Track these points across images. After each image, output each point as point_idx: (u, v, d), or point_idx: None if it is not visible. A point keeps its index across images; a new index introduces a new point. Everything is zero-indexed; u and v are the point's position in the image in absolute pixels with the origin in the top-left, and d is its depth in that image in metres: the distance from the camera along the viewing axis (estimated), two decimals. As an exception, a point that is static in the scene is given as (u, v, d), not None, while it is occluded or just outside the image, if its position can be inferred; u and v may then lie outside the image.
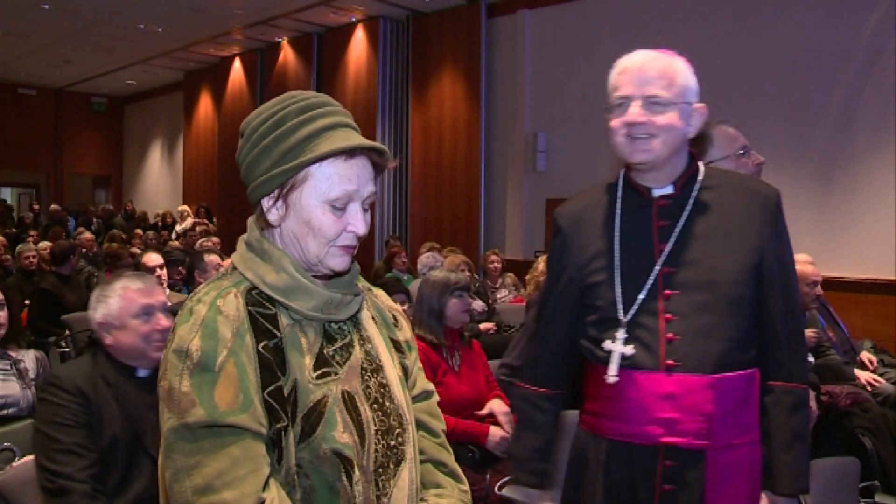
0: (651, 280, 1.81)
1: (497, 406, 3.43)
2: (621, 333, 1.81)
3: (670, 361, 1.77)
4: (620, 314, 1.82)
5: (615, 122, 1.83)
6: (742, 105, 7.97)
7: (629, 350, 1.79)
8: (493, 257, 7.48)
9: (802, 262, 4.75)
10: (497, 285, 6.90)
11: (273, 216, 1.37)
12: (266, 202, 1.37)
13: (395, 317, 1.61)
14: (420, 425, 1.56)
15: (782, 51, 7.75)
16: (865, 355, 4.99)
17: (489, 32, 10.44)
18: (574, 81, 9.36)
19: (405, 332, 1.61)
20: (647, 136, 1.79)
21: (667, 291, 1.80)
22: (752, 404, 1.82)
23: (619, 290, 1.83)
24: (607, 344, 1.82)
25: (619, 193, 1.91)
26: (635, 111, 1.79)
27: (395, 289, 4.65)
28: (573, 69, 9.39)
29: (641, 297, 1.81)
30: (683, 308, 1.78)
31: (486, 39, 10.42)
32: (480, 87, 10.36)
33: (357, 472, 1.34)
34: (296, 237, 1.37)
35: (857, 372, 4.57)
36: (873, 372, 4.77)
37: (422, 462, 1.54)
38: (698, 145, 2.49)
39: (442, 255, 7.00)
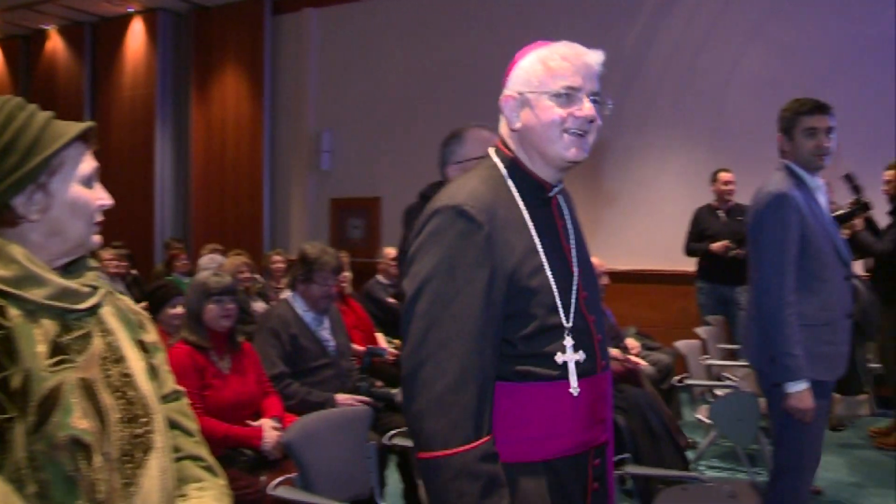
0: (575, 282, 1.75)
1: (268, 424, 3.38)
2: (569, 341, 1.70)
3: (603, 362, 1.77)
4: (564, 320, 1.70)
5: (559, 113, 1.66)
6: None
7: (581, 357, 1.70)
8: (276, 258, 7.39)
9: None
10: (281, 286, 6.79)
11: (33, 211, 1.38)
12: (19, 200, 1.37)
13: (140, 320, 1.60)
14: (174, 425, 1.58)
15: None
16: (629, 341, 5.37)
17: (274, 30, 10.28)
18: (360, 81, 9.42)
19: (151, 335, 1.61)
20: (586, 133, 1.70)
21: (583, 293, 1.76)
22: None
23: (557, 295, 1.70)
24: (560, 356, 1.68)
25: (512, 186, 1.74)
26: (589, 106, 1.68)
27: (172, 292, 4.45)
28: (359, 69, 9.44)
29: (573, 300, 1.73)
30: (593, 308, 1.78)
31: (271, 37, 10.26)
32: (264, 86, 10.18)
33: (98, 458, 1.34)
34: (59, 224, 1.41)
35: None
36: (636, 356, 5.13)
37: (180, 459, 1.56)
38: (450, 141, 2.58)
39: (226, 257, 6.82)
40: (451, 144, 2.59)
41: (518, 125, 1.73)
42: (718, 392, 4.85)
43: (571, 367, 1.68)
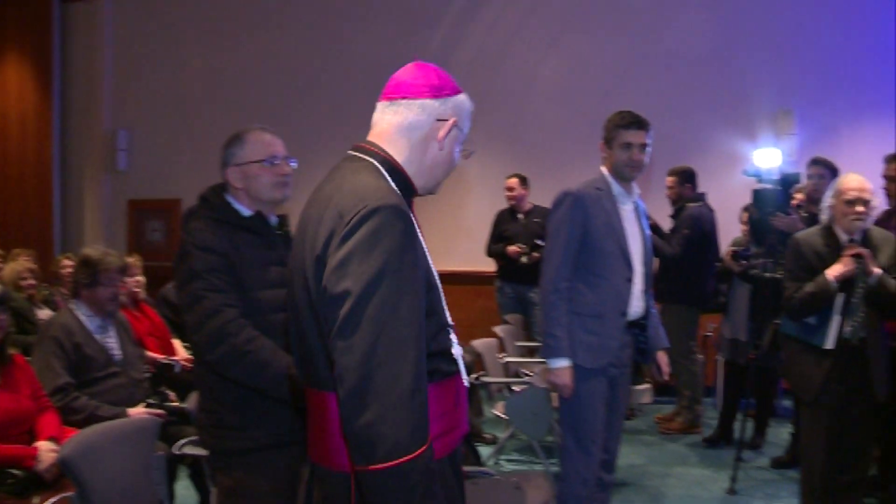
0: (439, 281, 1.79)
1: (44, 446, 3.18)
2: (454, 336, 1.78)
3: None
4: (448, 316, 1.77)
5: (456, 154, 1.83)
6: (328, 112, 8.32)
7: (461, 350, 1.80)
8: (67, 262, 6.90)
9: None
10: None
11: None
12: None
13: None
14: None
15: (359, 61, 8.23)
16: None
17: (64, 19, 9.64)
18: (159, 78, 9.04)
19: None
20: None
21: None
22: None
23: (441, 293, 1.77)
24: (455, 350, 1.76)
25: (395, 188, 1.74)
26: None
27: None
28: (158, 65, 9.07)
29: (443, 297, 1.79)
30: None
31: (60, 26, 9.60)
32: (53, 79, 9.52)
33: None
34: None
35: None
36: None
37: None
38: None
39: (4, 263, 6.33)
40: (232, 146, 2.54)
41: (424, 139, 1.78)
42: (515, 388, 5.03)
43: (461, 361, 1.77)
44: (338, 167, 1.79)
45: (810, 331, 3.76)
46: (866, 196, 3.68)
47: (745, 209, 5.78)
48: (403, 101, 1.77)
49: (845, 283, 3.65)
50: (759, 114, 7.41)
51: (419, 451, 1.50)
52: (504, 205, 6.96)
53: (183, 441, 3.41)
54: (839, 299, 3.67)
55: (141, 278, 5.21)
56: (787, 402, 6.20)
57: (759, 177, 5.14)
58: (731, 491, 4.77)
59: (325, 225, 1.62)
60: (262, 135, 2.55)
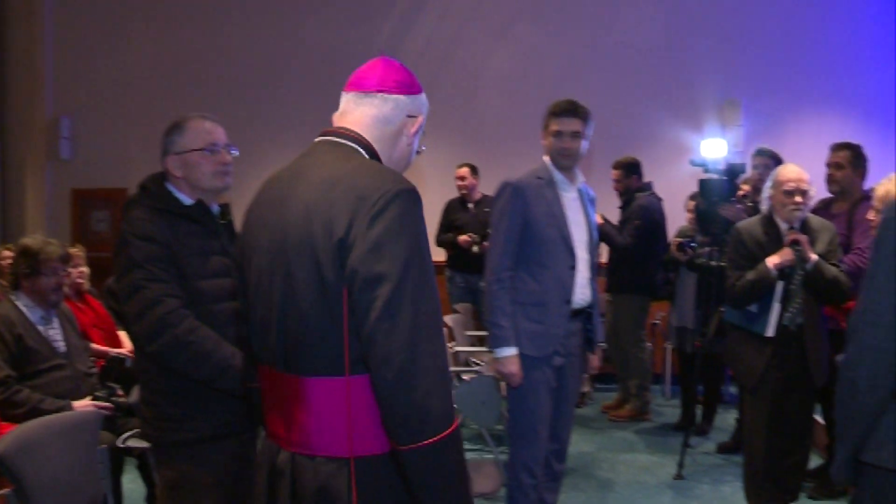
0: None
1: None
2: None
3: None
4: None
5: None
6: (277, 100, 8.24)
7: None
8: (7, 253, 6.74)
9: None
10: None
11: None
12: None
13: None
14: None
15: (307, 50, 8.16)
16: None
17: (2, 3, 9.35)
18: (104, 63, 8.80)
19: None
20: None
21: None
22: None
23: None
24: None
25: None
26: None
27: None
28: (103, 50, 8.82)
29: None
30: None
31: (-1, 11, 9.33)
32: (-9, 65, 9.24)
33: None
34: None
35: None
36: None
37: None
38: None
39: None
40: (172, 134, 2.49)
41: (394, 133, 1.84)
42: (465, 377, 5.04)
43: None
44: (317, 150, 1.79)
45: (751, 319, 3.84)
46: (804, 186, 3.77)
47: (691, 198, 5.86)
48: (379, 95, 1.81)
49: (785, 271, 3.73)
50: (706, 104, 7.53)
51: (456, 421, 1.59)
52: (454, 194, 6.96)
53: (127, 434, 3.36)
54: (779, 287, 3.75)
55: (85, 269, 5.11)
56: (734, 389, 6.31)
57: (705, 167, 5.21)
58: (679, 476, 4.85)
59: (341, 208, 1.61)
60: (202, 122, 2.51)
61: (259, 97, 8.31)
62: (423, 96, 1.89)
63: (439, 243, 6.88)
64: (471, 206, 6.82)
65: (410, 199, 1.64)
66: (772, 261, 3.72)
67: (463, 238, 6.61)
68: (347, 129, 1.80)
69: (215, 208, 2.56)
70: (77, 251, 5.14)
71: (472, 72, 7.96)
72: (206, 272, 2.42)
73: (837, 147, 4.60)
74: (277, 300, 1.69)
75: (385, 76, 1.83)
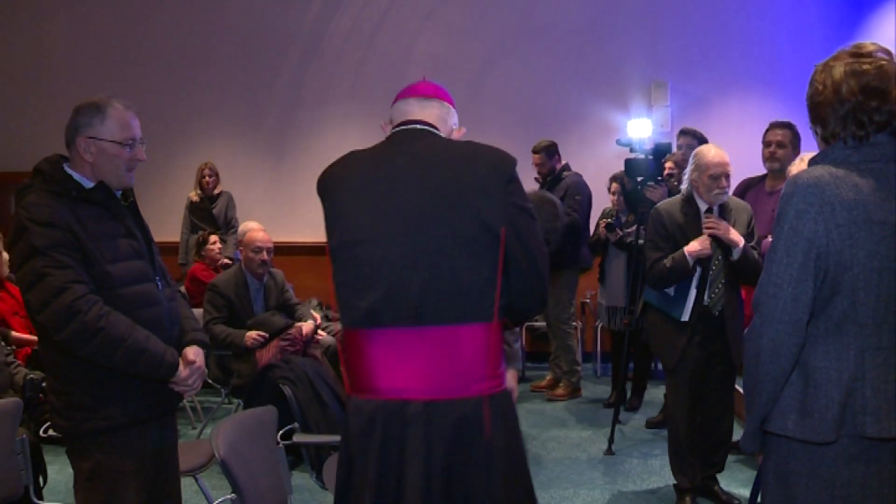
0: None
1: None
2: None
3: None
4: None
5: None
6: (201, 82, 8.07)
7: None
8: (-80, 242, 6.50)
9: (253, 229, 4.98)
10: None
11: None
12: None
13: None
14: None
15: (233, 31, 8.00)
16: (311, 312, 5.40)
17: None
18: (18, 44, 8.49)
19: None
20: None
21: None
22: None
23: None
24: None
25: None
26: None
27: None
28: (16, 29, 8.51)
29: None
30: None
31: None
32: None
33: None
34: None
35: (299, 324, 4.90)
36: (317, 326, 5.15)
37: None
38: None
39: None
40: (90, 116, 2.40)
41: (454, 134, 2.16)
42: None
43: None
44: (418, 137, 2.04)
45: (669, 302, 3.90)
46: (728, 170, 3.83)
47: (613, 179, 5.92)
48: (436, 100, 2.14)
49: (702, 260, 3.81)
50: (633, 86, 7.60)
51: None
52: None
53: (49, 423, 3.28)
54: (696, 274, 3.82)
55: (5, 255, 4.95)
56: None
57: (631, 146, 5.26)
58: (609, 452, 4.93)
59: (480, 177, 1.92)
60: (125, 113, 2.43)
61: (177, 80, 8.12)
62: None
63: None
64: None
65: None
66: (689, 249, 3.78)
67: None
68: (432, 124, 2.08)
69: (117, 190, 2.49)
70: (-2, 238, 4.98)
71: (400, 52, 7.88)
72: (113, 255, 2.35)
73: (778, 125, 4.63)
74: (424, 259, 1.88)
75: (437, 88, 2.17)
